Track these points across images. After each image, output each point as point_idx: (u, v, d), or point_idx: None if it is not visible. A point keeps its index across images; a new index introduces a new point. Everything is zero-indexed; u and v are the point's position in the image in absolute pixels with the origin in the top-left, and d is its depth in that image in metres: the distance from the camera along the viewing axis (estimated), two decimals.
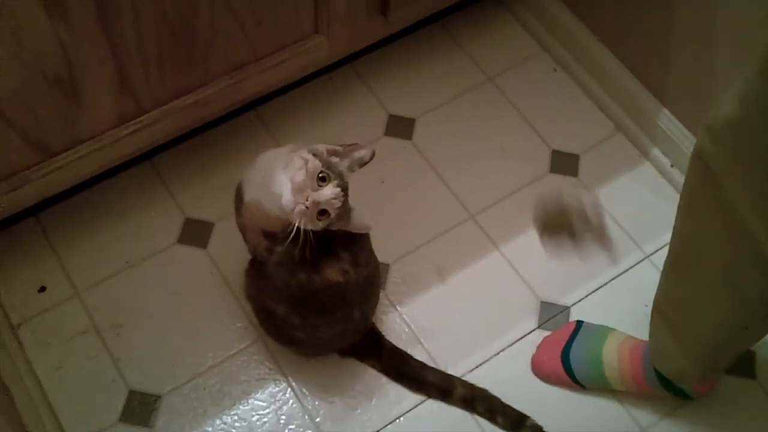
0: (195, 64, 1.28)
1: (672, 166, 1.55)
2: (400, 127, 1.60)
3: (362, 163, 1.14)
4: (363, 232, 1.15)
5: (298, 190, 1.07)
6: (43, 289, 1.40)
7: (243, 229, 1.22)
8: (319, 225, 1.09)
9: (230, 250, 1.36)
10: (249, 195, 1.17)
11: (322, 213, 1.09)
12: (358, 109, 1.62)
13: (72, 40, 1.11)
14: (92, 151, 1.28)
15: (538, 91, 1.66)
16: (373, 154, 1.14)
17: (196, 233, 1.47)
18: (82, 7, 1.08)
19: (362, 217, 1.13)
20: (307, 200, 1.07)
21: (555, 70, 1.68)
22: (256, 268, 1.23)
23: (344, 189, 1.11)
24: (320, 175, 1.09)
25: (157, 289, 1.41)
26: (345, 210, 1.12)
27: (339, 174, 1.11)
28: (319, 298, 1.18)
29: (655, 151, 1.57)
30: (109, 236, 1.45)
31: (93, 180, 1.43)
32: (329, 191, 1.08)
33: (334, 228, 1.13)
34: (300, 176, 1.07)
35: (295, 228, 1.08)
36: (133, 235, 1.46)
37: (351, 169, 1.13)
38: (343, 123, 1.60)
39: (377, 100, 1.63)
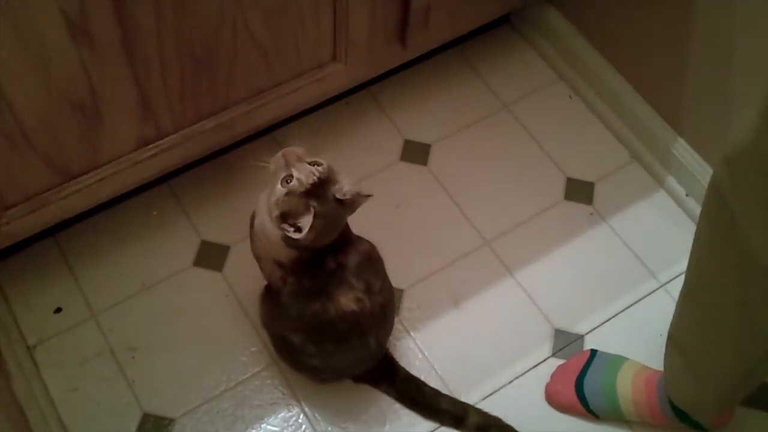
0: (216, 90, 1.29)
1: (687, 195, 1.55)
2: (415, 152, 1.61)
3: (359, 194, 1.15)
4: (297, 236, 1.11)
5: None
6: (59, 310, 1.41)
7: (258, 259, 1.23)
8: (279, 189, 1.11)
9: (246, 273, 1.36)
10: (257, 219, 1.18)
11: (288, 181, 1.11)
12: (374, 134, 1.63)
13: (96, 67, 1.13)
14: (111, 174, 1.30)
15: (554, 118, 1.67)
16: (369, 196, 1.15)
17: (212, 256, 1.47)
18: (107, 35, 1.09)
19: (307, 224, 1.10)
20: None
21: (570, 98, 1.69)
22: (271, 296, 1.24)
23: (325, 212, 1.11)
24: (313, 161, 1.12)
25: (172, 312, 1.42)
26: (329, 223, 1.13)
27: (335, 182, 1.12)
28: (334, 328, 1.19)
29: (670, 180, 1.57)
30: (126, 258, 1.46)
31: (111, 202, 1.44)
32: (312, 167, 1.11)
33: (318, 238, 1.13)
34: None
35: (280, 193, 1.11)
36: (149, 257, 1.46)
37: (349, 194, 1.13)
38: (359, 148, 1.60)
39: (393, 126, 1.64)
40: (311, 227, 1.09)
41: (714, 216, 1.00)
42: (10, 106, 1.10)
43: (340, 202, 1.13)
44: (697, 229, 1.06)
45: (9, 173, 1.19)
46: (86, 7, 1.05)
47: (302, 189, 1.10)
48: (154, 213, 1.51)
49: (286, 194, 1.10)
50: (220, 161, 1.56)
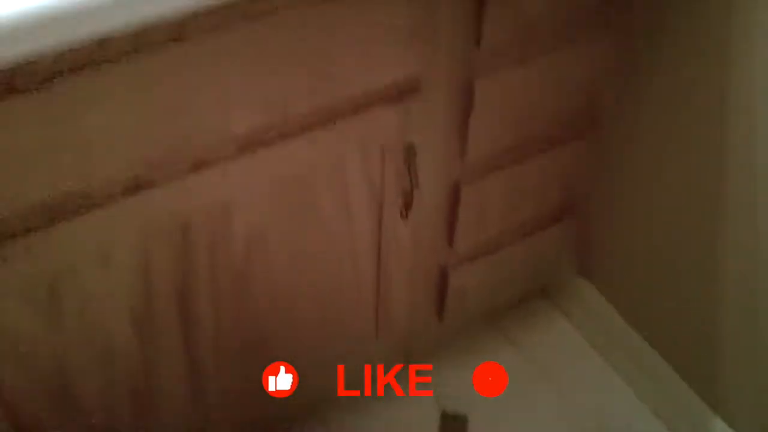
0: (262, 371, 1.34)
1: None
2: (452, 425, 1.61)
3: None
4: None
5: None
6: None
7: None
8: None
9: None
10: None
11: None
12: (409, 406, 1.64)
13: (155, 356, 1.17)
14: None
15: (591, 390, 1.68)
16: None
17: None
18: (168, 329, 1.15)
19: None
20: None
21: (603, 372, 1.71)
22: None
23: None
24: None
25: None
26: None
27: None
28: None
29: None
30: None
31: None
32: None
33: None
34: None
35: None
36: None
37: None
38: (395, 421, 1.60)
39: (429, 396, 1.65)
40: None
41: None
42: (70, 393, 1.13)
43: None
44: None
45: None
46: (152, 304, 1.11)
47: None
48: None
49: None
50: None
